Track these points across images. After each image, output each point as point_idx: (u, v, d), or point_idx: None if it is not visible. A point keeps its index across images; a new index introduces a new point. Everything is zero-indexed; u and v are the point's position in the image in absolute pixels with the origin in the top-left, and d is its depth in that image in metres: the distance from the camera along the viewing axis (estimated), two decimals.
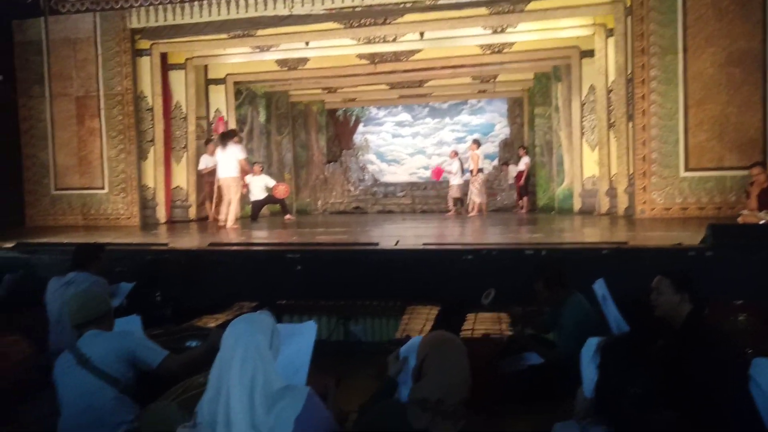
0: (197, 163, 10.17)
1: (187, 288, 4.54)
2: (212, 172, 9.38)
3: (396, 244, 5.21)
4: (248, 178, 9.81)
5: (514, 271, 4.38)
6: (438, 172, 11.73)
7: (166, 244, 5.59)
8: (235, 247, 5.27)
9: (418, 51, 10.51)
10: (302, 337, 2.17)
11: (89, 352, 2.36)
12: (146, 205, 9.65)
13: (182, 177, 10.29)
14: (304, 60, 11.04)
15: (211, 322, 3.83)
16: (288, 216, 9.96)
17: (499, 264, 4.49)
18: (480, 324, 3.61)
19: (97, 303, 2.52)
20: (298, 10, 8.75)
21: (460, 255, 4.59)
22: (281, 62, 11.18)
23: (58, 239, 6.53)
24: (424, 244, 5.07)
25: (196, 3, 9.01)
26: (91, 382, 2.31)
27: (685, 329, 2.46)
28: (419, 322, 3.72)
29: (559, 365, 3.17)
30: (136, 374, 2.42)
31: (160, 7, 9.15)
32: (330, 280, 4.56)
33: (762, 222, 5.74)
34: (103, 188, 9.48)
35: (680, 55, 7.46)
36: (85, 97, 9.50)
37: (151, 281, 4.57)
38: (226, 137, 8.49)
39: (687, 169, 7.59)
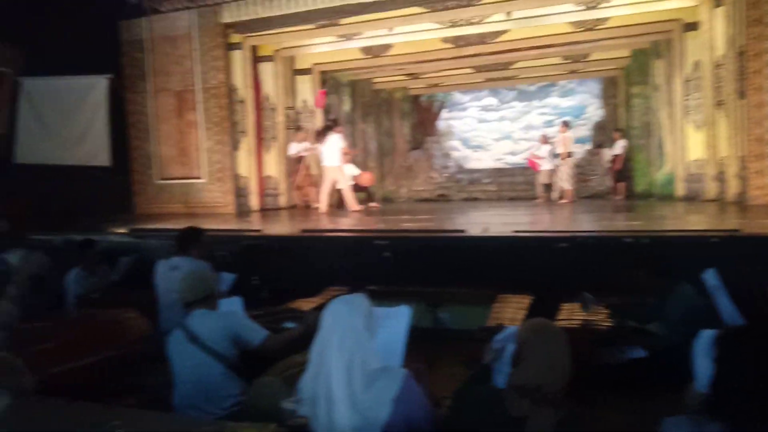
0: (287, 152, 10.54)
1: (281, 272, 4.71)
2: (299, 158, 9.70)
3: (485, 232, 5.11)
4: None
5: (613, 260, 4.17)
6: (534, 163, 11.27)
7: (259, 230, 5.83)
8: (325, 234, 5.41)
9: (505, 32, 10.19)
10: (396, 321, 2.18)
11: (198, 330, 2.52)
12: (240, 193, 10.12)
13: (273, 166, 10.69)
14: (388, 47, 11.05)
15: (305, 305, 3.96)
16: (373, 203, 10.08)
17: (596, 253, 4.29)
18: (576, 314, 3.46)
19: (204, 284, 2.68)
20: None
21: (554, 243, 4.42)
22: (365, 50, 11.27)
23: (164, 225, 7.00)
24: (515, 232, 4.94)
25: None
26: (201, 357, 2.47)
27: None
28: (511, 311, 3.63)
29: (663, 358, 2.98)
30: (241, 352, 2.55)
31: (250, 1, 9.48)
32: (417, 267, 4.56)
33: None
34: (201, 178, 10.04)
35: None
36: (184, 91, 10.07)
37: (248, 265, 4.79)
38: (328, 128, 9.01)
39: None
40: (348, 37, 10.49)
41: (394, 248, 4.75)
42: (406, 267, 4.63)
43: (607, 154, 11.57)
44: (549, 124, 13.47)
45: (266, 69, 10.73)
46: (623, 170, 11.02)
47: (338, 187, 9.03)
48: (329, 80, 12.22)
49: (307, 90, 11.53)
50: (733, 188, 7.75)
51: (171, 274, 3.53)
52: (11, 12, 9.59)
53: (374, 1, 8.89)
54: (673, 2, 8.80)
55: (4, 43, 10.70)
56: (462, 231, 5.13)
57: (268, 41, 10.39)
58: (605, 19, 9.57)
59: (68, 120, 10.26)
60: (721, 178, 8.21)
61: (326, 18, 9.56)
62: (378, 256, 4.77)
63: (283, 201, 10.69)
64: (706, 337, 1.87)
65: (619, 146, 10.93)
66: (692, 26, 8.89)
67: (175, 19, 10.01)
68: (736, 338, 1.73)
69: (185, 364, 2.50)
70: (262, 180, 10.54)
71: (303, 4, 9.16)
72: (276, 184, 10.68)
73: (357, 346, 1.75)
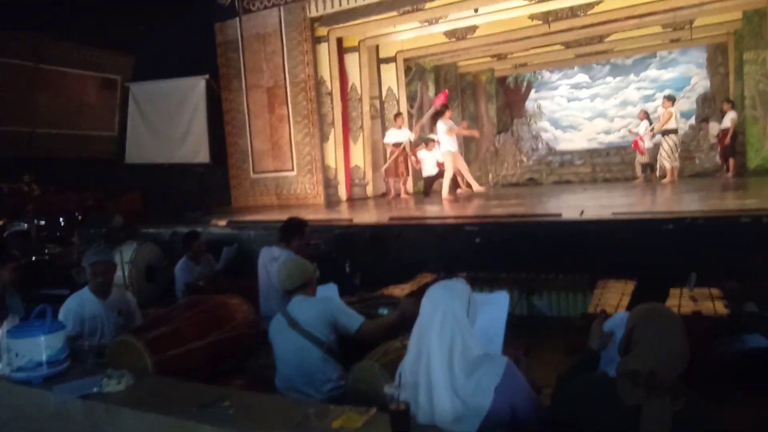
0: (373, 141, 10.65)
1: (373, 260, 4.78)
2: (399, 146, 9.76)
3: (581, 215, 4.88)
4: (420, 154, 10.02)
5: (726, 241, 3.84)
6: (638, 144, 10.60)
7: (350, 220, 5.94)
8: (414, 221, 5.41)
9: (598, 2, 9.61)
10: (495, 307, 2.14)
11: (297, 315, 2.60)
12: (329, 184, 10.36)
13: (359, 156, 10.84)
14: (473, 28, 10.81)
15: (398, 291, 3.99)
16: (460, 189, 9.96)
17: (707, 234, 3.96)
18: (687, 300, 3.22)
19: (303, 271, 2.77)
20: None
21: (659, 225, 4.14)
22: (449, 33, 11.09)
23: (259, 217, 7.33)
24: (614, 214, 4.68)
25: None
26: (301, 342, 2.55)
27: None
28: (614, 297, 3.44)
29: None
30: (338, 337, 2.61)
31: None
32: (510, 253, 4.45)
33: None
34: (292, 170, 10.38)
35: None
36: (275, 87, 10.43)
37: (341, 253, 4.90)
38: (438, 114, 9.14)
39: None
40: (432, 21, 10.37)
41: (485, 234, 4.66)
42: (498, 253, 4.53)
43: (715, 128, 10.62)
44: (649, 98, 12.63)
45: (352, 59, 10.87)
46: (733, 145, 10.05)
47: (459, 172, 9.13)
48: (414, 67, 12.16)
49: (391, 78, 11.57)
50: None
51: (271, 265, 3.67)
52: (119, 22, 10.40)
53: None
54: None
55: (114, 51, 11.64)
56: (557, 215, 4.93)
57: (353, 32, 10.50)
58: None
59: (171, 121, 10.99)
60: None
61: (410, 4, 9.50)
62: (469, 242, 4.70)
63: (370, 190, 10.83)
64: None
65: (729, 119, 9.95)
66: None
67: (265, 16, 10.37)
68: None
69: (286, 348, 2.60)
70: (350, 170, 10.73)
71: None
72: (363, 174, 10.83)
73: (458, 331, 1.72)
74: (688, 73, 12.64)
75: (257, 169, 10.77)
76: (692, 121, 12.29)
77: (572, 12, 9.94)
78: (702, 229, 4.05)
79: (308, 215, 7.87)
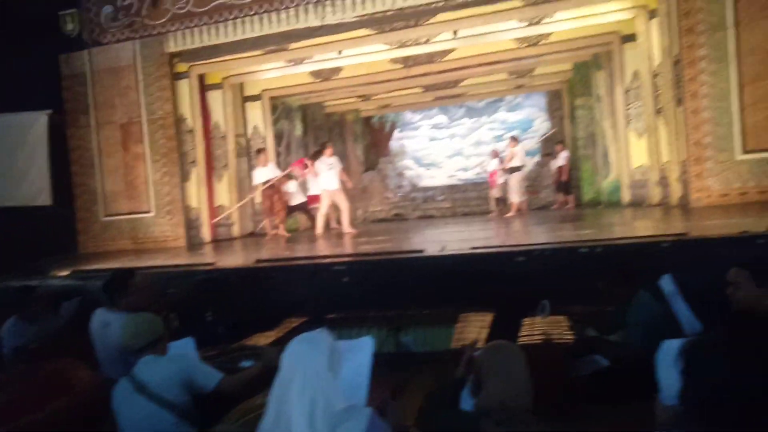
0: (240, 180, 10.35)
1: (237, 306, 4.55)
2: (271, 185, 9.52)
3: (442, 250, 5.08)
4: (289, 185, 9.98)
5: (570, 270, 4.20)
6: (493, 180, 11.46)
7: (213, 263, 5.63)
8: (281, 263, 5.27)
9: (452, 50, 10.37)
10: (360, 354, 2.09)
11: (146, 378, 2.34)
12: (191, 225, 9.83)
13: (224, 195, 10.46)
14: (338, 69, 11.07)
15: (263, 339, 3.81)
16: (333, 226, 10.01)
17: (554, 264, 4.31)
18: (538, 328, 3.45)
19: (149, 328, 2.51)
20: (330, 19, 8.77)
21: (512, 257, 4.43)
22: (315, 74, 11.25)
23: (110, 264, 6.69)
24: (473, 248, 4.93)
25: (230, 22, 9.15)
26: (150, 408, 2.29)
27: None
28: (474, 330, 3.59)
29: (628, 368, 2.99)
30: (194, 398, 2.39)
31: (196, 29, 9.34)
32: (377, 291, 4.48)
33: None
34: (149, 212, 9.70)
35: (731, 31, 7.06)
36: (129, 123, 9.77)
37: (201, 301, 4.60)
38: (319, 152, 9.06)
39: (744, 151, 7.17)
40: (297, 61, 10.46)
41: (353, 273, 4.66)
42: (367, 291, 4.54)
43: (554, 164, 11.88)
44: (499, 138, 13.74)
45: (215, 96, 10.56)
46: (569, 181, 11.33)
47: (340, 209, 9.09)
48: (280, 105, 12.12)
49: (258, 116, 11.41)
50: (675, 192, 8.02)
51: (105, 332, 3.15)
52: None
53: (322, 25, 8.91)
54: (610, 16, 9.14)
55: None
56: (420, 251, 5.09)
57: (217, 69, 10.24)
58: (548, 35, 9.87)
59: (7, 159, 9.77)
60: (663, 183, 8.50)
61: (275, 43, 9.51)
62: (337, 282, 4.66)
63: (236, 230, 10.45)
64: (669, 348, 1.85)
65: (562, 158, 11.30)
66: (630, 38, 9.26)
67: (118, 50, 9.74)
68: (701, 349, 1.71)
69: (133, 416, 2.32)
70: (214, 210, 10.28)
71: (250, 30, 9.10)
72: (229, 214, 10.44)
73: (320, 387, 1.65)
74: (532, 116, 14.02)
75: (109, 211, 9.91)
76: (537, 158, 13.57)
77: (429, 58, 10.61)
78: (549, 259, 4.40)
79: (168, 259, 7.39)
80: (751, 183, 7.12)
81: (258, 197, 10.39)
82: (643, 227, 6.50)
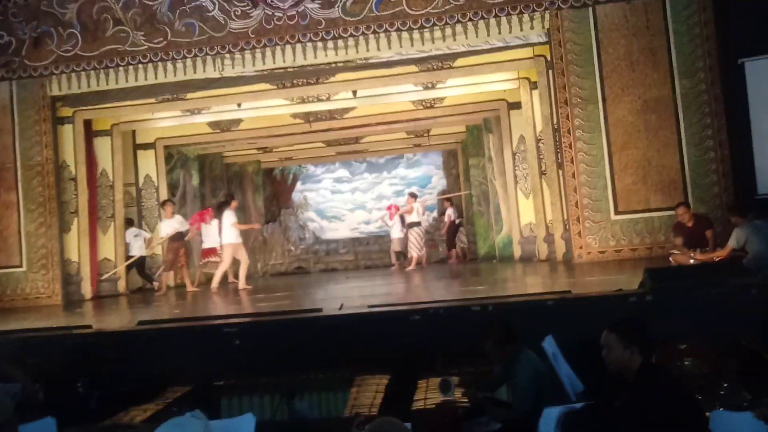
0: (126, 233, 9.73)
1: (115, 374, 4.14)
2: (177, 237, 8.95)
3: (340, 309, 5.02)
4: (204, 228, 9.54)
5: (463, 328, 4.28)
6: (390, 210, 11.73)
7: (90, 326, 5.14)
8: (166, 324, 4.92)
9: (352, 109, 10.64)
10: None
11: None
12: (70, 280, 9.02)
13: (110, 248, 9.73)
14: (238, 121, 10.92)
15: (139, 415, 3.46)
16: (231, 281, 9.61)
17: (448, 322, 4.38)
18: (433, 391, 3.45)
19: None
20: (229, 72, 8.71)
21: (407, 316, 4.45)
22: (214, 124, 11.01)
23: None
24: (370, 307, 4.91)
25: (121, 68, 8.78)
26: None
27: (639, 384, 2.41)
28: (369, 395, 3.51)
29: (515, 426, 3.05)
30: None
31: (83, 73, 8.86)
32: (272, 354, 4.30)
33: (692, 261, 5.95)
34: (20, 266, 8.79)
35: (600, 105, 7.87)
36: (0, 169, 8.93)
37: (73, 370, 4.14)
38: (224, 204, 8.82)
39: (617, 212, 7.87)
40: (194, 111, 10.20)
41: (246, 335, 4.45)
42: (260, 354, 4.33)
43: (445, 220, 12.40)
44: (399, 194, 14.10)
45: (103, 143, 9.98)
46: (453, 237, 11.95)
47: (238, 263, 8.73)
48: (176, 154, 11.66)
49: (150, 165, 10.86)
50: (560, 248, 8.57)
51: None
52: None
53: (220, 77, 8.81)
54: (497, 84, 9.89)
55: None
56: (319, 310, 4.98)
57: (105, 114, 9.73)
58: (442, 99, 10.46)
59: None
60: (549, 239, 9.08)
61: (170, 93, 9.25)
62: (228, 344, 4.42)
63: (122, 286, 9.69)
64: (550, 416, 1.91)
65: (447, 215, 11.92)
66: (516, 105, 10.01)
67: None
68: (579, 419, 1.78)
69: None
70: (96, 264, 9.50)
71: (143, 78, 8.79)
72: (114, 267, 9.69)
73: None
74: (430, 173, 14.59)
75: None
76: (435, 214, 14.04)
77: (330, 115, 10.80)
78: (442, 317, 4.47)
79: (39, 320, 6.67)
80: (624, 241, 7.80)
81: (148, 250, 9.80)
82: (531, 284, 6.84)
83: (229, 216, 8.57)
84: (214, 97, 9.54)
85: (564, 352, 3.40)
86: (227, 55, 8.61)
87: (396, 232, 11.31)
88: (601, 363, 2.90)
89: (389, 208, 11.93)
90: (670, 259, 6.33)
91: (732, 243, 5.42)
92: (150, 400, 3.76)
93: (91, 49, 8.80)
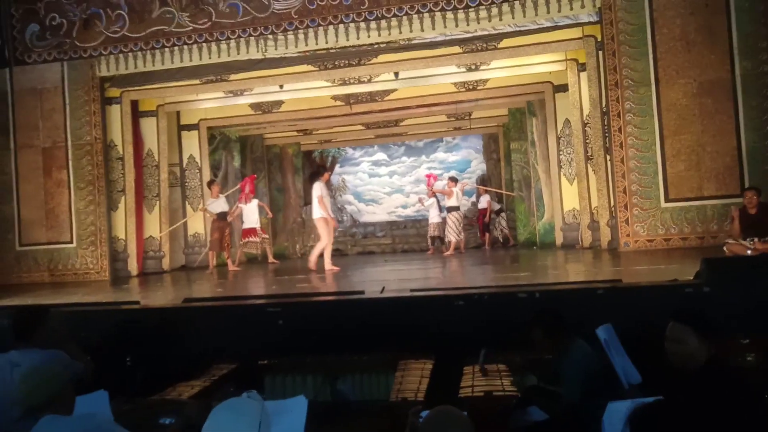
0: (172, 210, 9.94)
1: (161, 350, 4.22)
2: (221, 216, 9.11)
3: (382, 292, 4.98)
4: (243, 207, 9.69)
5: (510, 315, 4.19)
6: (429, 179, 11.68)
7: (138, 302, 5.26)
8: (211, 303, 4.99)
9: (393, 91, 10.53)
10: (292, 416, 1.93)
11: None
12: (117, 257, 9.28)
13: (155, 227, 9.96)
14: (279, 103, 10.96)
15: (186, 391, 3.52)
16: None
17: (493, 309, 4.29)
18: (479, 377, 3.39)
19: (52, 382, 2.19)
20: (272, 53, 8.72)
21: (451, 301, 4.38)
22: (255, 106, 11.09)
23: (22, 300, 6.14)
24: (412, 291, 4.86)
25: (167, 49, 8.90)
26: None
27: (706, 378, 2.28)
28: (414, 380, 3.48)
29: (566, 418, 2.96)
30: None
31: (130, 54, 9.02)
32: (315, 335, 4.30)
33: (749, 252, 5.68)
34: (71, 242, 9.09)
35: (653, 87, 7.54)
36: (52, 147, 9.21)
37: (122, 345, 4.25)
38: (315, 175, 8.21)
39: (667, 199, 7.58)
40: (237, 92, 10.27)
41: (289, 315, 4.46)
42: (303, 335, 4.34)
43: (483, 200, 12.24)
44: (438, 178, 13.95)
45: (149, 124, 10.16)
46: (489, 222, 11.99)
47: (320, 239, 8.02)
48: (218, 135, 11.81)
49: (193, 146, 11.05)
50: (605, 236, 8.34)
51: (13, 374, 2.79)
52: None
53: (264, 59, 8.82)
54: (543, 66, 9.60)
55: None
56: (361, 292, 4.96)
57: (151, 95, 9.89)
58: (485, 81, 10.23)
59: None
60: (594, 227, 8.84)
61: (214, 74, 9.32)
62: (271, 324, 4.44)
63: (167, 263, 9.94)
64: (616, 411, 1.82)
65: (485, 201, 11.79)
66: (562, 88, 9.71)
67: (43, 70, 9.25)
68: (650, 415, 1.68)
69: None
70: (143, 242, 9.75)
71: (188, 59, 8.89)
72: (159, 246, 9.93)
73: None
74: (469, 157, 14.39)
75: (25, 241, 9.22)
76: (474, 198, 13.86)
77: (371, 97, 10.72)
78: (488, 304, 4.38)
79: (88, 294, 6.88)
80: (674, 230, 7.51)
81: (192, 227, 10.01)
82: (576, 271, 6.67)
83: (317, 189, 7.94)
84: (257, 78, 9.57)
85: (621, 345, 3.27)
86: (270, 36, 8.61)
87: (433, 217, 11.22)
88: (658, 354, 2.77)
89: (428, 176, 11.82)
90: (725, 248, 6.05)
91: None
92: (196, 376, 3.82)
93: (137, 30, 8.95)
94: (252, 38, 8.67)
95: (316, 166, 8.17)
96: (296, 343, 4.30)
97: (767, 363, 3.25)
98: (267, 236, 10.15)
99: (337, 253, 13.51)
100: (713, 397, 2.11)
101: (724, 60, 7.39)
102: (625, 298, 4.22)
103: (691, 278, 4.41)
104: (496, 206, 12.20)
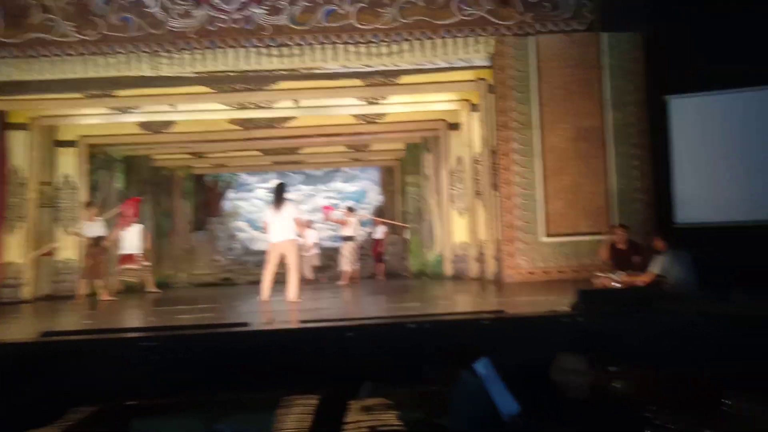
0: (39, 233, 9.00)
1: (11, 392, 3.70)
2: (98, 241, 8.25)
3: (268, 324, 4.78)
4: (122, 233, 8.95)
5: (400, 346, 4.17)
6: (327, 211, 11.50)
7: None
8: (75, 337, 4.49)
9: (293, 118, 10.44)
10: None
11: None
12: None
13: (17, 250, 8.95)
14: (170, 123, 10.43)
15: None
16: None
17: (383, 340, 4.25)
18: (364, 414, 3.29)
19: None
20: (166, 71, 8.29)
21: (341, 332, 4.28)
22: (144, 125, 10.46)
23: None
24: (302, 322, 4.71)
25: (46, 59, 8.16)
26: None
27: (592, 404, 2.38)
28: (296, 417, 3.31)
29: None
30: None
31: (1, 60, 8.17)
32: (193, 371, 3.99)
33: (617, 284, 6.13)
34: None
35: (537, 130, 8.10)
36: None
37: None
38: (280, 193, 6.88)
39: (547, 234, 8.09)
40: (124, 110, 9.65)
41: (165, 350, 4.11)
42: (181, 372, 4.02)
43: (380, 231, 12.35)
44: (335, 207, 13.92)
45: (17, 138, 9.21)
46: (383, 253, 12.11)
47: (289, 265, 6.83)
48: (100, 154, 10.98)
49: (69, 163, 10.15)
50: (491, 268, 8.70)
51: None
52: None
53: (156, 77, 8.37)
54: (439, 105, 10.02)
55: None
56: (244, 324, 4.72)
57: (23, 107, 9.01)
58: (384, 115, 10.46)
59: None
60: (481, 259, 9.21)
61: (99, 88, 8.70)
62: (145, 360, 4.07)
63: (29, 292, 8.92)
64: None
65: (380, 232, 11.95)
66: (455, 126, 10.17)
67: None
68: None
69: None
70: (1, 267, 8.71)
71: (71, 71, 8.20)
72: (18, 272, 8.90)
73: None
74: (367, 188, 14.54)
75: None
76: (368, 229, 13.94)
77: (269, 123, 10.53)
78: (378, 335, 4.34)
79: None
80: (552, 263, 8.01)
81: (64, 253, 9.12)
82: (464, 302, 6.85)
83: (292, 209, 6.89)
84: (147, 96, 9.07)
85: (499, 372, 3.34)
86: (165, 54, 8.20)
87: (311, 247, 11.16)
88: (539, 383, 2.86)
89: (326, 208, 11.74)
90: (593, 281, 6.48)
91: (655, 269, 5.64)
92: (51, 421, 3.37)
93: (13, 36, 8.14)
94: (145, 54, 8.21)
95: (280, 184, 7.09)
96: (172, 380, 3.96)
97: (634, 390, 3.46)
98: (148, 263, 9.45)
99: (227, 282, 12.97)
100: (601, 422, 2.20)
101: (598, 109, 8.13)
102: (508, 329, 4.36)
103: (568, 309, 4.67)
104: (386, 236, 12.30)
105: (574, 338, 4.19)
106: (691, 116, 7.35)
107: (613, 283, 6.17)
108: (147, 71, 8.28)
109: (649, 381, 3.06)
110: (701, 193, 7.19)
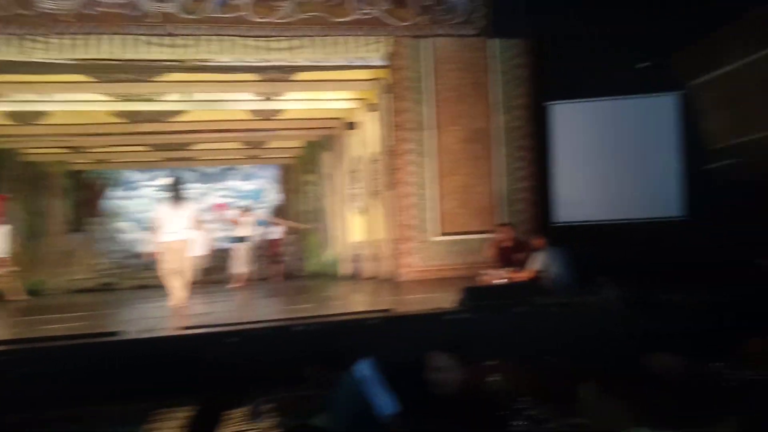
0: None
1: None
2: None
3: (147, 331, 4.45)
4: None
5: (284, 350, 4.05)
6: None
7: None
8: None
9: (184, 112, 9.87)
10: None
11: None
12: None
13: None
14: (42, 114, 9.48)
15: None
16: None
17: (268, 344, 4.11)
18: (240, 423, 3.13)
19: None
20: (38, 56, 7.49)
21: (223, 338, 4.08)
22: (12, 115, 9.44)
23: None
24: (185, 328, 4.43)
25: None
26: None
27: (462, 400, 2.41)
28: (166, 430, 3.08)
29: None
30: None
31: None
32: (54, 385, 3.63)
33: (502, 280, 6.38)
34: None
35: (432, 131, 8.27)
36: None
37: None
38: (178, 189, 6.29)
39: (441, 233, 8.29)
40: None
41: (20, 362, 3.71)
42: (37, 386, 3.63)
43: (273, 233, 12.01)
44: (231, 206, 13.44)
45: None
46: (281, 254, 11.61)
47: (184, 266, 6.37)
48: None
49: None
50: (386, 267, 8.77)
51: None
52: None
53: (25, 61, 7.54)
54: (337, 103, 9.94)
55: None
56: (113, 333, 4.36)
57: None
58: (281, 111, 10.19)
59: None
60: (376, 258, 9.26)
61: None
62: (7, 374, 3.66)
63: None
64: None
65: (277, 232, 11.59)
66: (353, 125, 10.14)
67: None
68: None
69: None
70: None
71: None
72: None
73: None
74: (264, 187, 14.15)
75: None
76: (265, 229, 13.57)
77: (157, 116, 9.90)
78: (263, 339, 4.18)
79: None
80: (445, 261, 8.22)
81: None
82: (357, 302, 6.84)
83: (194, 208, 6.66)
84: (15, 83, 8.19)
85: (383, 372, 3.33)
86: (39, 38, 7.39)
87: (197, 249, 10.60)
88: (420, 381, 2.86)
89: (218, 206, 11.20)
90: (477, 279, 6.70)
91: (536, 265, 5.94)
92: None
93: None
94: (13, 38, 7.35)
95: (177, 179, 6.31)
96: (26, 397, 3.57)
97: (510, 383, 3.58)
98: (16, 268, 8.55)
99: (107, 288, 12.00)
100: (474, 416, 2.22)
101: (487, 112, 8.44)
102: (393, 328, 4.38)
103: (456, 306, 4.78)
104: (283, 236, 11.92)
105: (458, 334, 4.29)
106: (569, 122, 7.87)
107: (496, 280, 6.43)
108: (17, 56, 7.45)
109: (521, 373, 3.19)
110: (577, 194, 7.72)
